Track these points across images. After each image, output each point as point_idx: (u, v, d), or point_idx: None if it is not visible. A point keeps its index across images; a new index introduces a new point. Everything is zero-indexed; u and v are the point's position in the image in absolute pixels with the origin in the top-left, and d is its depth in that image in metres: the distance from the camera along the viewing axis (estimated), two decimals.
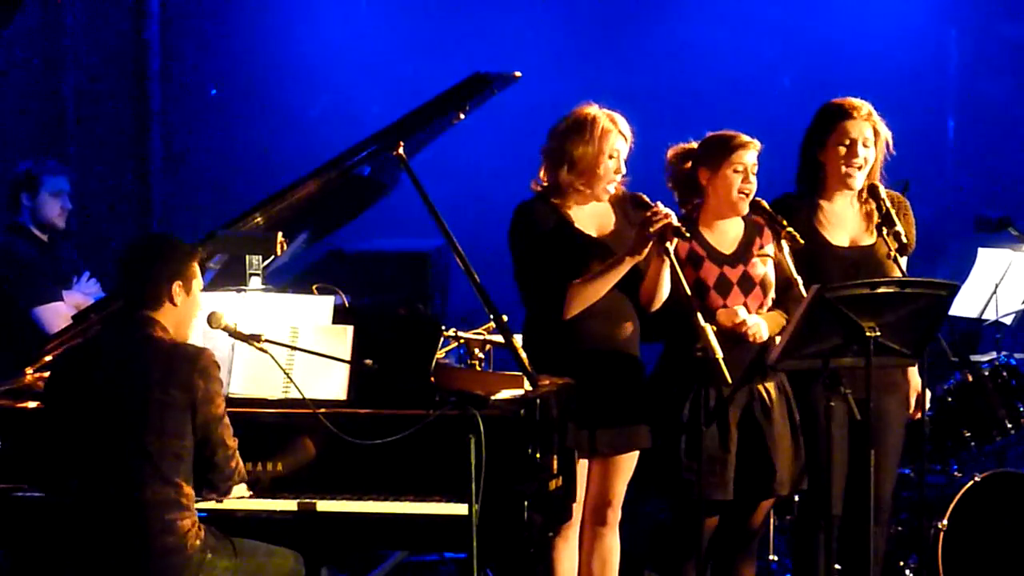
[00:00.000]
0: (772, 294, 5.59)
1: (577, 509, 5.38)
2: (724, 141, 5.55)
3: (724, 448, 5.47)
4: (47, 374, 5.26)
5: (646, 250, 5.35)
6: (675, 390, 5.48)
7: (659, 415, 5.50)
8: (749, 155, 5.53)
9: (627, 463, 5.53)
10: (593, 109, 5.50)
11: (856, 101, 5.70)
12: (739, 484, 5.50)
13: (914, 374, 5.82)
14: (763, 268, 5.58)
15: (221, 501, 4.81)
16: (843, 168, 5.67)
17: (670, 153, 5.71)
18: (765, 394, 5.53)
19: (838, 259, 5.66)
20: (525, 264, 5.49)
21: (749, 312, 5.50)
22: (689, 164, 5.62)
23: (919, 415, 5.85)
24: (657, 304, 5.46)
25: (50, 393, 4.79)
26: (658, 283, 5.42)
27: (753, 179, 5.54)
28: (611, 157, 5.46)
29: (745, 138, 5.55)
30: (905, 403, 5.80)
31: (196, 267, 4.82)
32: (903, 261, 5.63)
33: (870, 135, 5.68)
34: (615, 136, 5.46)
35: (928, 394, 5.89)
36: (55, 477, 4.84)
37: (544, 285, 5.44)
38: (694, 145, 5.65)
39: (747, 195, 5.53)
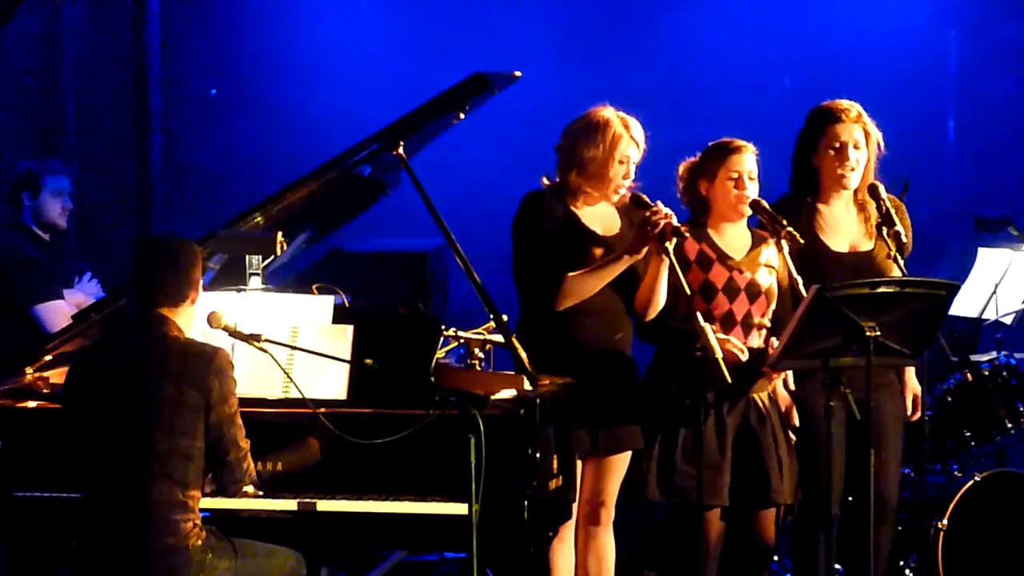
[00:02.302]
0: (774, 306, 5.58)
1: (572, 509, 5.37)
2: (718, 149, 5.51)
3: (720, 454, 5.46)
4: (48, 373, 5.27)
5: (644, 250, 5.34)
6: (674, 392, 5.48)
7: (652, 416, 5.49)
8: (744, 159, 5.48)
9: (620, 463, 5.52)
10: (607, 112, 5.45)
11: (845, 103, 5.67)
12: (735, 492, 5.49)
13: (911, 376, 5.82)
14: (768, 279, 5.56)
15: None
16: (837, 170, 5.66)
17: (681, 169, 5.64)
18: (760, 403, 5.53)
19: (837, 264, 5.64)
20: (525, 251, 5.45)
21: (753, 321, 5.50)
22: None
23: (917, 416, 5.85)
24: (654, 311, 5.42)
25: (66, 390, 4.77)
26: (656, 285, 5.39)
27: (749, 184, 5.48)
28: (621, 163, 5.42)
29: (738, 142, 5.51)
30: (900, 400, 5.80)
31: None
32: (902, 262, 5.62)
33: (860, 137, 5.65)
34: (626, 141, 5.42)
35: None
36: (64, 474, 4.83)
37: (541, 274, 5.40)
38: None
39: (744, 201, 5.49)
